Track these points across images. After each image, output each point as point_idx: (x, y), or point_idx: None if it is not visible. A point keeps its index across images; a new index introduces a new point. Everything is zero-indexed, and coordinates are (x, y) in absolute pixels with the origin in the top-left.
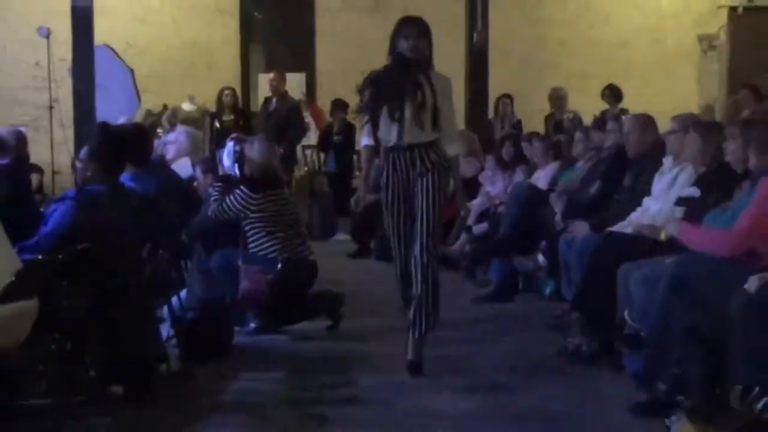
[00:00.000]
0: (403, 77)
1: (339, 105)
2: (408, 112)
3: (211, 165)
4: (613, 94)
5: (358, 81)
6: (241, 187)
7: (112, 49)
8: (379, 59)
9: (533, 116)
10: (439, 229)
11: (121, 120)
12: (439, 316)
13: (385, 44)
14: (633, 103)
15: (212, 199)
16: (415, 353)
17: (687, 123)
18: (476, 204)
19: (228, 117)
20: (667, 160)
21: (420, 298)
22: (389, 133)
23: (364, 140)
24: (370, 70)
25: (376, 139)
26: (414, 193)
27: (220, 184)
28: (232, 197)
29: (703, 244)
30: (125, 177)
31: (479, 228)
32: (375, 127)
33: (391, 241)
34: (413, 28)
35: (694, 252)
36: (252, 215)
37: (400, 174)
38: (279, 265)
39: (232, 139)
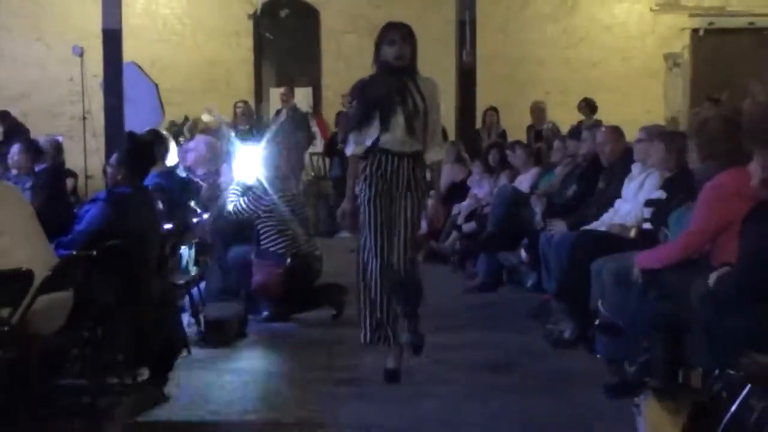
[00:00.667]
0: (391, 86)
1: (343, 116)
2: (400, 120)
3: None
4: (588, 106)
5: (345, 93)
6: (254, 190)
7: (139, 66)
8: None
9: (516, 127)
10: (415, 243)
11: (148, 129)
12: (419, 322)
13: None
14: (606, 115)
15: (228, 200)
16: (394, 362)
17: (653, 133)
18: (465, 205)
19: (243, 127)
20: (636, 167)
21: (404, 308)
22: (381, 139)
23: (350, 149)
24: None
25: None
26: (397, 205)
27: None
28: (245, 199)
29: (658, 260)
30: (153, 174)
31: (468, 226)
32: (364, 136)
33: (369, 235)
34: (397, 34)
35: None
36: (264, 215)
37: (384, 172)
38: (288, 260)
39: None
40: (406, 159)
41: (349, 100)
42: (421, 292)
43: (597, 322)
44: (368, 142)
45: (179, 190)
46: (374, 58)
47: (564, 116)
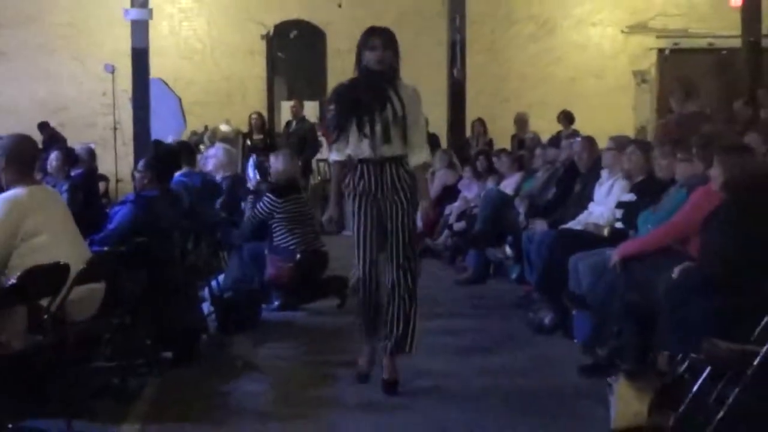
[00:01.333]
0: (370, 91)
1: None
2: (378, 126)
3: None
4: (566, 117)
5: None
6: (268, 194)
7: (164, 81)
8: None
9: (501, 136)
10: (413, 250)
11: (170, 139)
12: (417, 336)
13: None
14: (581, 125)
15: (247, 208)
16: (390, 372)
17: (622, 142)
18: (456, 206)
19: (257, 136)
20: (604, 172)
21: (396, 316)
22: (359, 147)
23: (333, 155)
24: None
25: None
26: (386, 213)
27: (251, 196)
28: (261, 204)
29: (642, 247)
30: (179, 174)
31: (458, 225)
32: (344, 141)
33: (357, 247)
34: (378, 40)
35: None
36: (277, 216)
37: (368, 183)
38: (298, 255)
39: (255, 154)
40: (387, 165)
41: (327, 106)
42: (413, 297)
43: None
44: (348, 151)
45: (201, 189)
46: (356, 64)
47: (544, 126)
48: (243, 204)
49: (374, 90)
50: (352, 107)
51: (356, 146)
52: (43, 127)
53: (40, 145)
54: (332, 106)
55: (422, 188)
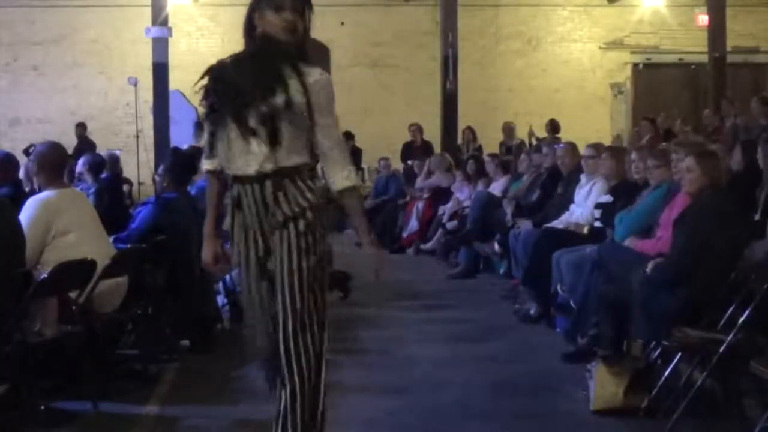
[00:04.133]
0: (257, 72)
1: (347, 135)
2: (254, 123)
3: None
4: (552, 126)
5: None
6: None
7: (182, 93)
8: (376, 100)
9: (490, 142)
10: (312, 311)
11: (185, 146)
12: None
13: (380, 92)
14: (563, 133)
15: None
16: None
17: (599, 149)
18: (448, 207)
19: None
20: (584, 176)
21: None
22: (234, 156)
23: (204, 164)
24: (369, 111)
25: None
26: (272, 252)
27: None
28: None
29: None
30: (201, 180)
31: (451, 224)
32: (213, 144)
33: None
34: None
35: (609, 243)
36: None
37: (244, 212)
38: None
39: None
40: (269, 183)
41: (202, 96)
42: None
43: (557, 301)
44: (221, 162)
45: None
46: (246, 30)
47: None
48: None
49: (262, 72)
50: (230, 93)
51: (230, 154)
52: (81, 126)
53: (74, 143)
54: (204, 100)
55: (358, 223)
